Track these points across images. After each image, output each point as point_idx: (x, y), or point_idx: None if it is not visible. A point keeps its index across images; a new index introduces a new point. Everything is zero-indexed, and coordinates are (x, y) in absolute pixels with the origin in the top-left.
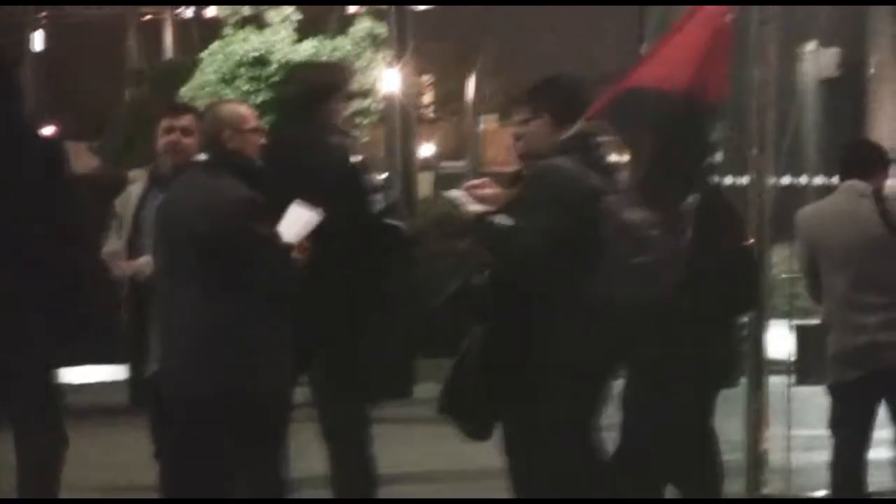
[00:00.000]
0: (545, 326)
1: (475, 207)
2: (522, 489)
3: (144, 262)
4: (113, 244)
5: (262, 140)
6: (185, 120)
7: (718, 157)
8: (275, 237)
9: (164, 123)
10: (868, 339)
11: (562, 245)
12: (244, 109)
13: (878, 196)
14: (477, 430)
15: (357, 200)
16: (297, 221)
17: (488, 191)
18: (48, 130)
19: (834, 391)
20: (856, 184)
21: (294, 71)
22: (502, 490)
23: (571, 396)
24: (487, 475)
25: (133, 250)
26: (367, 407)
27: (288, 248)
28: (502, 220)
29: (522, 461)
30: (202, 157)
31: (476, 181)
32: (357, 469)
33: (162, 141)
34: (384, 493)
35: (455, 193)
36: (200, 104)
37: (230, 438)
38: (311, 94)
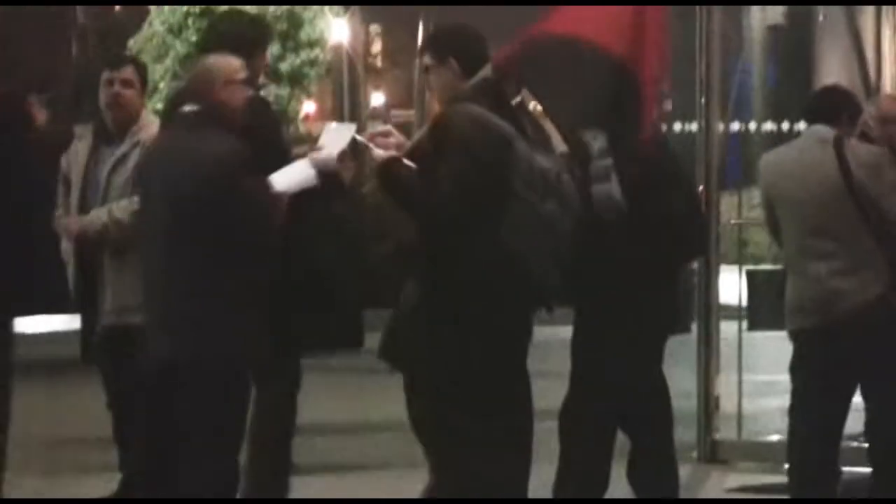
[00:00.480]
0: (454, 276)
1: (380, 153)
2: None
3: (94, 216)
4: (59, 205)
5: (249, 93)
6: (126, 73)
7: (666, 105)
8: (262, 191)
9: (105, 76)
10: (823, 287)
11: (468, 191)
12: (235, 61)
13: (839, 143)
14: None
15: (283, 153)
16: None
17: (392, 139)
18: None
19: (793, 337)
20: (819, 129)
21: (217, 24)
22: None
23: (488, 348)
24: None
25: (84, 207)
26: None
27: (275, 201)
28: (406, 165)
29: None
30: (188, 108)
31: (380, 128)
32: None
33: (102, 94)
34: (331, 441)
35: (357, 138)
36: (147, 57)
37: (205, 401)
38: (236, 50)
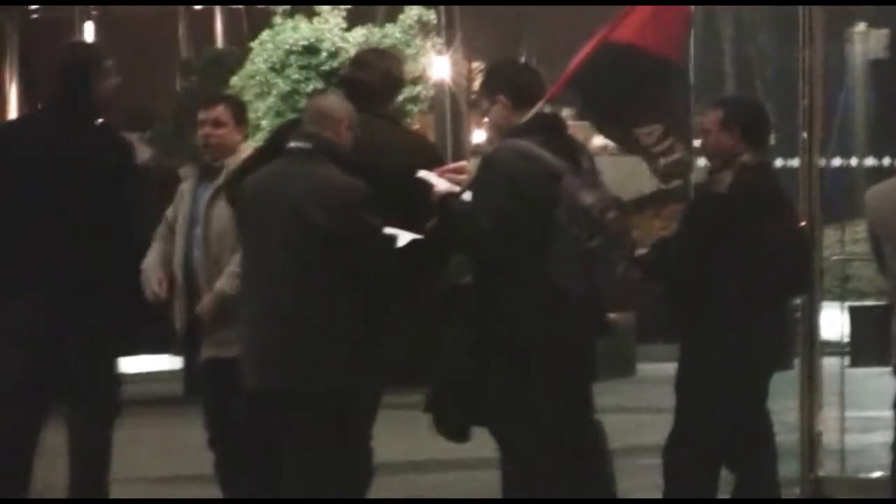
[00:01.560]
0: (499, 310)
1: (443, 187)
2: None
3: (207, 302)
4: (153, 256)
5: (354, 133)
6: (217, 111)
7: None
8: (382, 228)
9: (199, 116)
10: None
11: (511, 226)
12: (347, 104)
13: None
14: (454, 433)
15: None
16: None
17: (464, 176)
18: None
19: None
20: None
21: (365, 59)
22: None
23: (544, 387)
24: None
25: (189, 243)
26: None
27: (393, 239)
28: (462, 200)
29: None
30: (295, 145)
31: (453, 165)
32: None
33: (199, 134)
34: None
35: (423, 173)
36: (249, 94)
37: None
38: (387, 84)
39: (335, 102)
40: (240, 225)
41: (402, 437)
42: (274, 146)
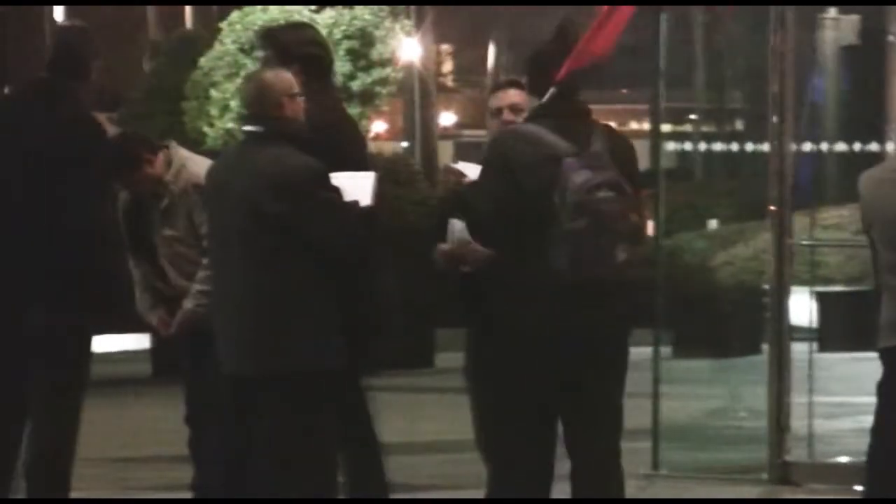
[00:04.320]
0: (502, 293)
1: (474, 173)
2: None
3: (184, 311)
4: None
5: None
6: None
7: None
8: (343, 203)
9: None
10: None
11: (507, 207)
12: (288, 75)
13: None
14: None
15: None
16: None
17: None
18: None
19: (884, 356)
20: None
21: (317, 36)
22: None
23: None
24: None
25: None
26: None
27: (355, 212)
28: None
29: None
30: (246, 128)
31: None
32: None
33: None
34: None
35: (461, 164)
36: (218, 75)
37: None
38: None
39: (273, 77)
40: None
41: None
42: None
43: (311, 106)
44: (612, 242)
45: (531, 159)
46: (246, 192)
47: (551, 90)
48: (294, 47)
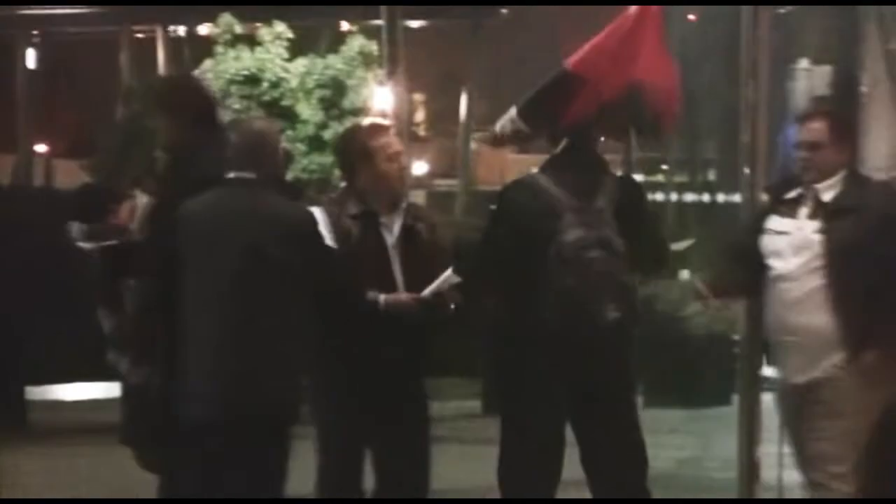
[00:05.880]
0: (499, 334)
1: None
2: None
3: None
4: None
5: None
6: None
7: (711, 175)
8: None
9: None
10: None
11: (504, 255)
12: (277, 126)
13: None
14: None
15: None
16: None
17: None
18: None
19: None
20: None
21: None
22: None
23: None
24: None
25: None
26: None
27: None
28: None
29: None
30: (237, 175)
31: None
32: None
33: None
34: None
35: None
36: None
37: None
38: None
39: (268, 126)
40: (173, 257)
41: None
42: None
43: (203, 156)
44: (600, 301)
45: (532, 211)
46: (253, 237)
47: (564, 141)
48: (178, 98)
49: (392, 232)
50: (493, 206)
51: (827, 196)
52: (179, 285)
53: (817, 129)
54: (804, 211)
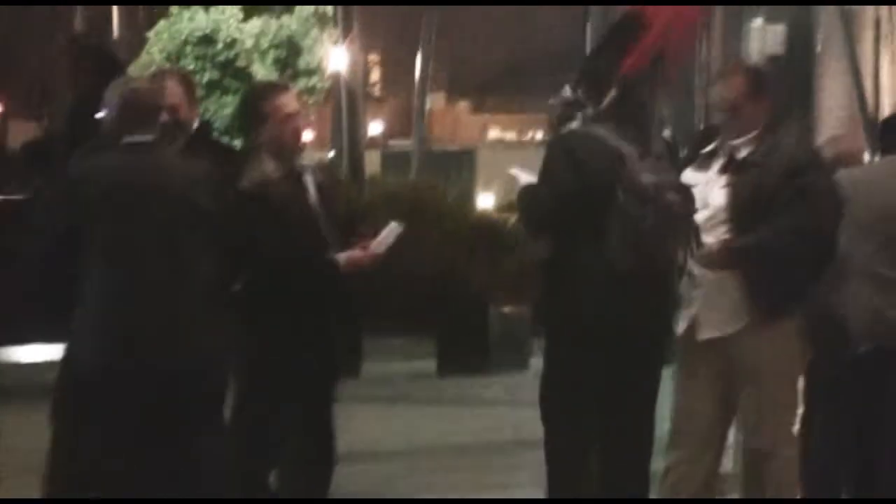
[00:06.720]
0: (562, 287)
1: (528, 179)
2: None
3: None
4: None
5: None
6: None
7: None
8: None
9: None
10: (880, 314)
11: (571, 203)
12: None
13: None
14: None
15: None
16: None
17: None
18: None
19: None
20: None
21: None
22: (456, 463)
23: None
24: (438, 451)
25: None
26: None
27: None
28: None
29: None
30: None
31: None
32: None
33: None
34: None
35: (514, 170)
36: None
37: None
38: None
39: (148, 86)
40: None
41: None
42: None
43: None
44: (676, 242)
45: (590, 155)
46: (179, 193)
47: (612, 92)
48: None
49: (310, 191)
50: (548, 157)
51: (741, 153)
52: (76, 244)
53: (735, 86)
54: (716, 166)
